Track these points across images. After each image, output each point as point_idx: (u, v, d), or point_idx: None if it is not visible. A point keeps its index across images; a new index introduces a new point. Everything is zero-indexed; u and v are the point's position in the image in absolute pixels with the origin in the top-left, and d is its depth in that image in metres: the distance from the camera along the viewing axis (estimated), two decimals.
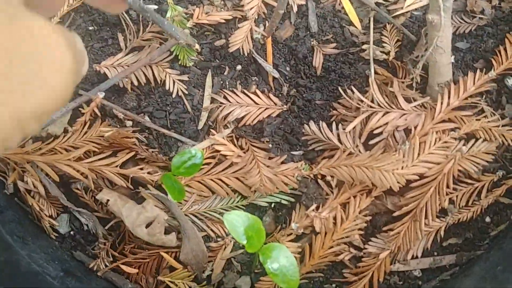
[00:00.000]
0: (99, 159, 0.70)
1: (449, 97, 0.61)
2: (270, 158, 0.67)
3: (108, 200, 0.70)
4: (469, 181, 0.61)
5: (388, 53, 0.67)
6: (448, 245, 0.63)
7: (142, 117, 0.70)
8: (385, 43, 0.68)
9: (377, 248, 0.62)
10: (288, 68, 0.70)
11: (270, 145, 0.68)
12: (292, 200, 0.67)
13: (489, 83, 0.62)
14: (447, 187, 0.60)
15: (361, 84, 0.67)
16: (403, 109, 0.62)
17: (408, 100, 0.64)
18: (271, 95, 0.70)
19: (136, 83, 0.71)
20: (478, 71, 0.62)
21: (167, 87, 0.70)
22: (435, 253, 0.64)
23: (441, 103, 0.61)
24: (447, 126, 0.61)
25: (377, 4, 0.69)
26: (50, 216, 0.72)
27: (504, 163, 0.63)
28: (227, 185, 0.68)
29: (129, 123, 0.71)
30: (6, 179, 0.72)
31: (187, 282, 0.70)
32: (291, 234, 0.64)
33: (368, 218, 0.62)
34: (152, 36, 0.73)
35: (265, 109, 0.70)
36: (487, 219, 0.62)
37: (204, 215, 0.70)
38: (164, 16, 0.71)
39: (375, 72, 0.67)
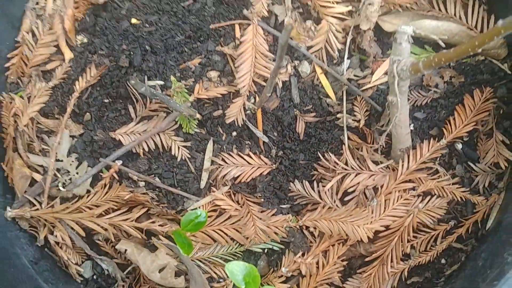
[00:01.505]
0: (118, 215, 0.83)
1: (408, 161, 0.74)
2: (262, 211, 0.80)
3: (126, 249, 0.82)
4: (427, 230, 0.74)
5: (359, 121, 0.80)
6: (411, 283, 0.76)
7: (153, 178, 0.82)
8: (356, 112, 0.81)
9: (353, 287, 0.75)
10: (275, 134, 0.83)
11: (262, 200, 0.81)
12: (282, 247, 0.79)
13: (442, 148, 0.76)
14: (408, 236, 0.73)
15: (337, 148, 0.81)
16: (371, 171, 0.76)
17: (376, 162, 0.77)
18: (262, 156, 0.83)
19: (146, 149, 0.84)
20: (432, 138, 0.76)
21: (173, 152, 0.83)
22: None
23: (402, 166, 0.74)
24: (408, 185, 0.74)
25: (348, 79, 0.83)
26: (76, 264, 0.85)
27: (455, 214, 0.76)
28: (226, 234, 0.80)
29: (142, 183, 0.83)
30: (38, 234, 0.84)
31: None
32: (281, 276, 0.77)
33: (345, 262, 0.75)
34: (158, 106, 0.85)
35: (257, 168, 0.82)
36: (443, 261, 0.75)
37: (208, 260, 0.82)
38: (170, 88, 0.84)
39: (348, 138, 0.80)
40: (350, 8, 0.84)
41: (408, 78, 0.70)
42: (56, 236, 0.82)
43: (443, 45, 0.71)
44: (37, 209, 0.82)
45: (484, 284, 0.63)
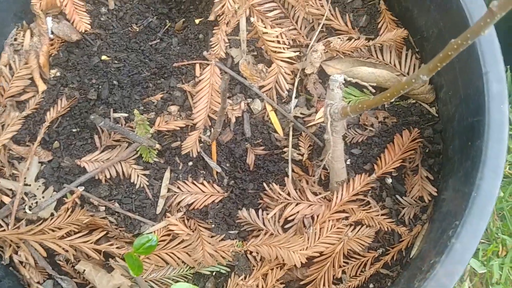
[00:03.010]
0: (78, 237, 0.89)
1: (342, 193, 0.82)
2: (212, 236, 0.87)
3: (84, 270, 0.88)
4: (357, 256, 0.81)
5: (302, 155, 0.88)
6: None
7: (112, 204, 0.89)
8: (301, 147, 0.89)
9: None
10: (228, 164, 0.91)
11: (213, 225, 0.88)
12: (228, 270, 0.86)
13: (373, 182, 0.84)
14: (340, 262, 0.80)
15: (282, 179, 0.88)
16: (310, 201, 0.83)
17: (315, 193, 0.84)
18: (214, 185, 0.90)
19: (108, 176, 0.91)
20: (365, 173, 0.84)
21: (132, 180, 0.90)
22: None
23: (336, 198, 0.81)
24: (341, 215, 0.81)
25: (295, 117, 0.91)
26: (38, 282, 0.90)
27: (383, 242, 0.83)
28: (178, 258, 0.87)
29: (102, 208, 0.89)
30: (3, 253, 0.90)
31: None
32: None
33: (283, 285, 0.81)
34: (121, 137, 0.93)
35: (209, 196, 0.89)
36: (371, 286, 0.81)
37: (160, 281, 0.88)
38: (133, 120, 0.92)
39: (292, 170, 0.88)
40: (297, 53, 0.93)
41: (340, 120, 0.78)
42: (20, 255, 0.88)
43: (372, 90, 0.80)
44: (4, 230, 0.88)
45: None
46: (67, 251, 0.86)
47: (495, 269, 1.03)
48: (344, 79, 0.75)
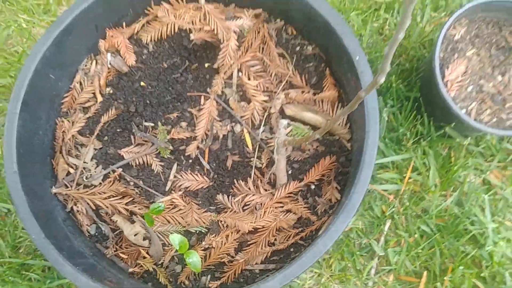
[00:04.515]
0: (115, 199, 1.38)
1: (281, 192, 1.30)
2: (199, 209, 1.36)
3: (117, 220, 1.38)
4: (285, 231, 1.30)
5: (262, 164, 1.36)
6: (273, 259, 1.31)
7: (138, 181, 1.39)
8: (262, 159, 1.37)
9: (240, 257, 1.31)
10: (214, 164, 1.39)
11: (200, 202, 1.37)
12: (206, 230, 1.35)
13: (302, 186, 1.32)
14: (273, 232, 1.29)
15: (247, 178, 1.36)
16: (261, 194, 1.32)
17: (265, 190, 1.33)
18: (204, 177, 1.38)
19: (137, 163, 1.40)
20: (298, 180, 1.32)
21: (152, 167, 1.39)
22: (266, 262, 1.32)
23: (277, 194, 1.30)
24: (278, 205, 1.29)
25: (261, 139, 1.39)
26: (87, 225, 1.41)
27: (302, 225, 1.31)
28: (176, 219, 1.36)
29: (131, 183, 1.39)
30: (67, 204, 1.40)
31: (151, 265, 1.37)
32: (202, 247, 1.33)
33: (237, 243, 1.31)
34: (148, 139, 1.42)
35: (200, 183, 1.38)
36: (291, 249, 1.30)
37: (163, 233, 1.38)
38: (157, 129, 1.41)
39: (254, 173, 1.36)
40: (268, 97, 1.41)
41: (282, 147, 1.27)
42: (78, 207, 1.38)
43: (306, 130, 1.27)
44: (69, 189, 1.39)
45: None
46: (107, 207, 1.36)
47: (391, 255, 1.52)
48: (288, 123, 1.23)
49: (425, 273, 1.50)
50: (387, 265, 1.53)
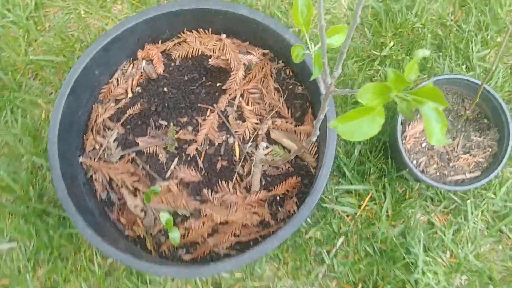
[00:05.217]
0: (126, 176, 1.76)
1: (253, 197, 1.65)
2: (187, 197, 1.72)
3: (123, 192, 1.75)
4: (249, 228, 1.64)
5: (244, 172, 1.71)
6: (235, 248, 1.66)
7: (146, 165, 1.75)
8: (245, 168, 1.71)
9: (211, 241, 1.66)
10: (207, 165, 1.74)
11: (189, 192, 1.73)
12: (190, 215, 1.71)
13: (270, 196, 1.66)
14: (240, 227, 1.63)
15: (229, 181, 1.72)
16: (237, 195, 1.66)
17: (241, 192, 1.68)
18: (197, 173, 1.74)
19: (148, 151, 1.77)
20: (267, 190, 1.66)
21: (159, 157, 1.76)
22: (230, 249, 1.67)
23: (249, 197, 1.64)
24: (248, 206, 1.64)
25: (247, 152, 1.74)
26: (100, 191, 1.79)
27: (263, 226, 1.66)
28: (168, 201, 1.72)
29: (141, 166, 1.76)
30: (88, 173, 1.78)
31: (143, 232, 1.73)
32: (184, 227, 1.69)
33: (210, 229, 1.66)
34: (160, 134, 1.79)
35: (193, 177, 1.74)
36: (251, 243, 1.65)
37: (156, 209, 1.74)
38: (169, 128, 1.78)
39: (236, 178, 1.71)
40: (259, 121, 1.76)
41: (259, 164, 1.61)
42: (96, 176, 1.76)
43: (282, 153, 1.62)
44: (92, 161, 1.76)
45: None
46: (118, 180, 1.73)
47: (337, 265, 1.85)
48: (267, 146, 1.58)
49: (360, 285, 1.83)
50: (332, 272, 1.86)
